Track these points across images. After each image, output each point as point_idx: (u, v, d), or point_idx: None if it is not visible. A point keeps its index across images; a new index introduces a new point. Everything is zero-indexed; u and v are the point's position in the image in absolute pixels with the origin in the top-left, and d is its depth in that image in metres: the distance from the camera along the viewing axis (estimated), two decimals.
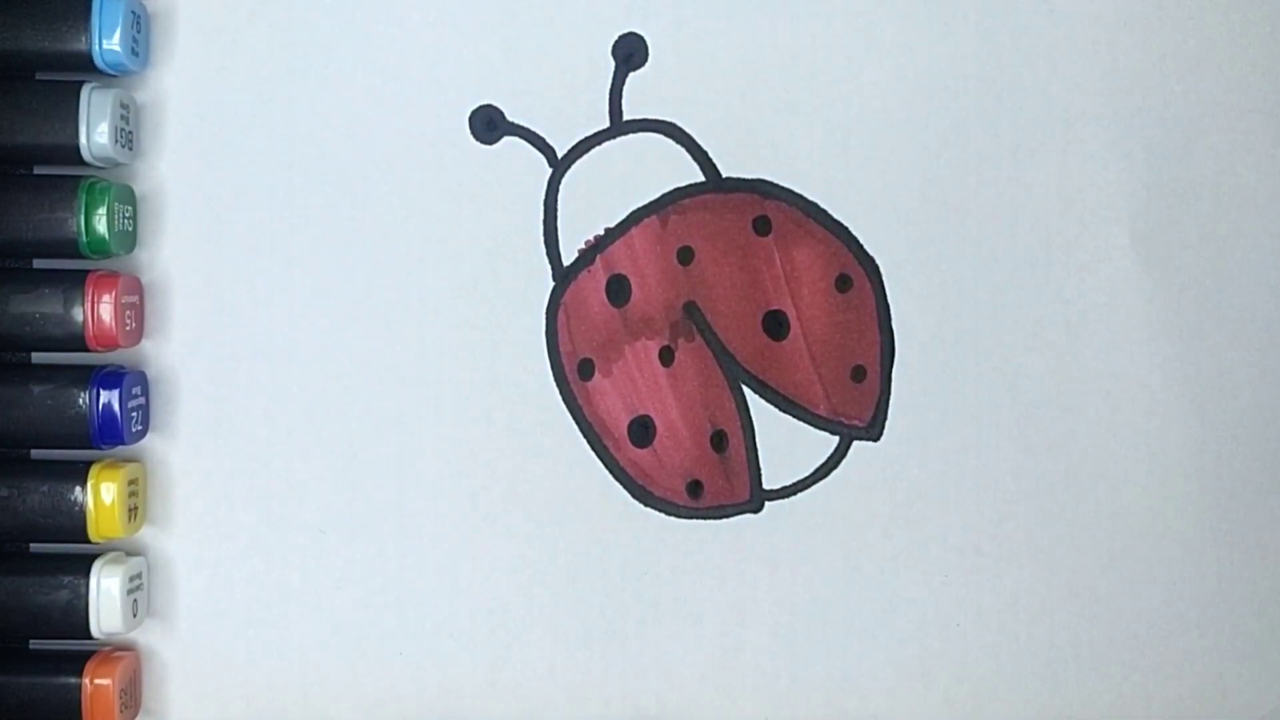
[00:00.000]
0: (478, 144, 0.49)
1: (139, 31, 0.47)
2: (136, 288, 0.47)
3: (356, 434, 0.48)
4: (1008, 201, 0.49)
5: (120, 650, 0.48)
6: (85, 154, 0.46)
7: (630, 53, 0.48)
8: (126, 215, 0.47)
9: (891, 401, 0.49)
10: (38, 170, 0.47)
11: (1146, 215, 0.49)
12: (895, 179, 0.49)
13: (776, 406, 0.49)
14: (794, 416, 0.49)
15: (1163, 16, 0.49)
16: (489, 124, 0.48)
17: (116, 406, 0.46)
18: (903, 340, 0.49)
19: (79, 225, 0.45)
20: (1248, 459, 0.49)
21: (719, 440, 0.49)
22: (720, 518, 0.49)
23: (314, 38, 0.48)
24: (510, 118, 0.48)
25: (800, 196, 0.49)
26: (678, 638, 0.49)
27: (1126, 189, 0.49)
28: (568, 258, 0.49)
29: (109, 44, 0.46)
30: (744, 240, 0.49)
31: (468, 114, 0.48)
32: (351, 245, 0.48)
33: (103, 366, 0.47)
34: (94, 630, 0.46)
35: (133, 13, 0.46)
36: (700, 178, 0.49)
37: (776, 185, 0.49)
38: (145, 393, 0.48)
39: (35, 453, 0.47)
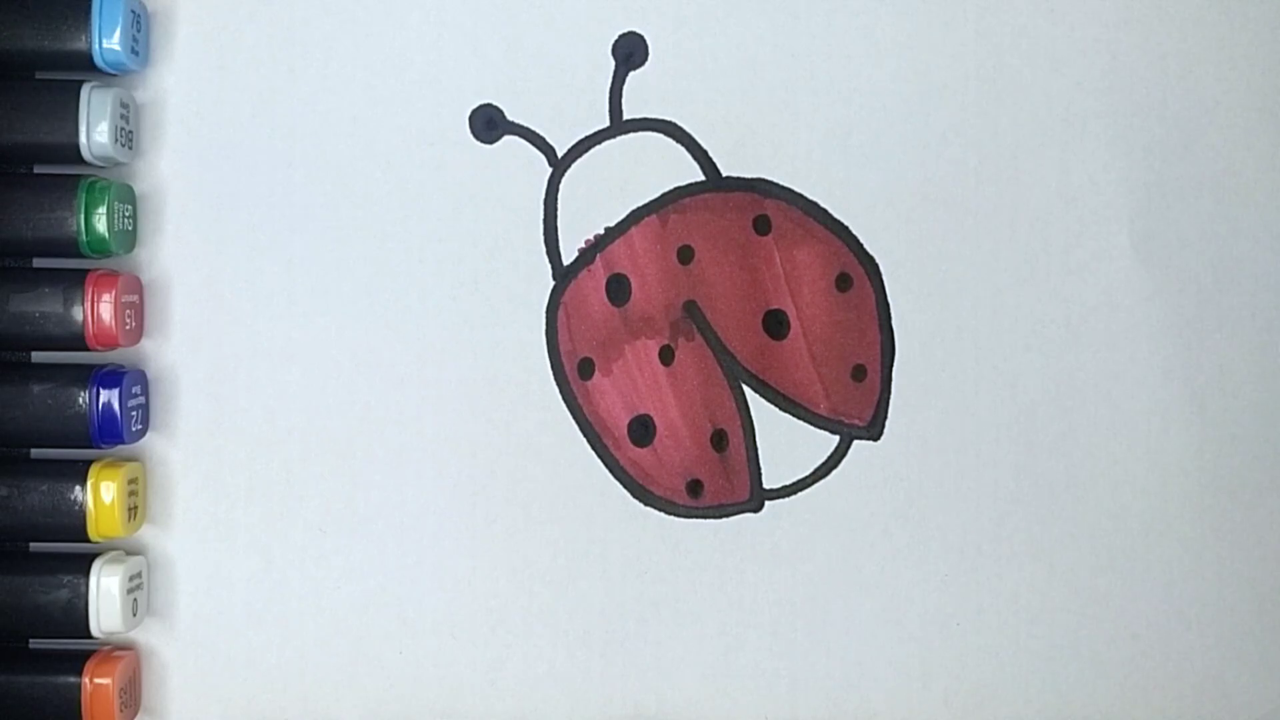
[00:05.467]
0: (478, 144, 0.49)
1: (139, 31, 0.47)
2: (136, 287, 0.47)
3: (356, 434, 0.48)
4: (1008, 201, 0.49)
5: (120, 649, 0.48)
6: (85, 153, 0.46)
7: (630, 52, 0.49)
8: (126, 214, 0.47)
9: (891, 401, 0.49)
10: (38, 169, 0.47)
11: (1146, 215, 0.49)
12: (895, 179, 0.49)
13: (776, 406, 0.49)
14: (794, 416, 0.49)
15: (1163, 16, 0.49)
16: (489, 124, 0.49)
17: (116, 406, 0.46)
18: (903, 340, 0.49)
19: (79, 224, 0.46)
20: (1248, 459, 0.49)
21: (719, 439, 0.49)
22: (720, 517, 0.49)
23: (314, 37, 0.48)
24: (510, 117, 0.48)
25: (800, 196, 0.49)
26: (678, 637, 0.49)
27: (1126, 189, 0.49)
28: (568, 257, 0.49)
29: (109, 43, 0.46)
30: (744, 239, 0.49)
31: (468, 114, 0.48)
32: (351, 245, 0.48)
33: (103, 366, 0.47)
34: (94, 629, 0.46)
35: (133, 12, 0.46)
36: (700, 177, 0.49)
37: (776, 185, 0.49)
38: (145, 392, 0.48)
39: (35, 452, 0.47)
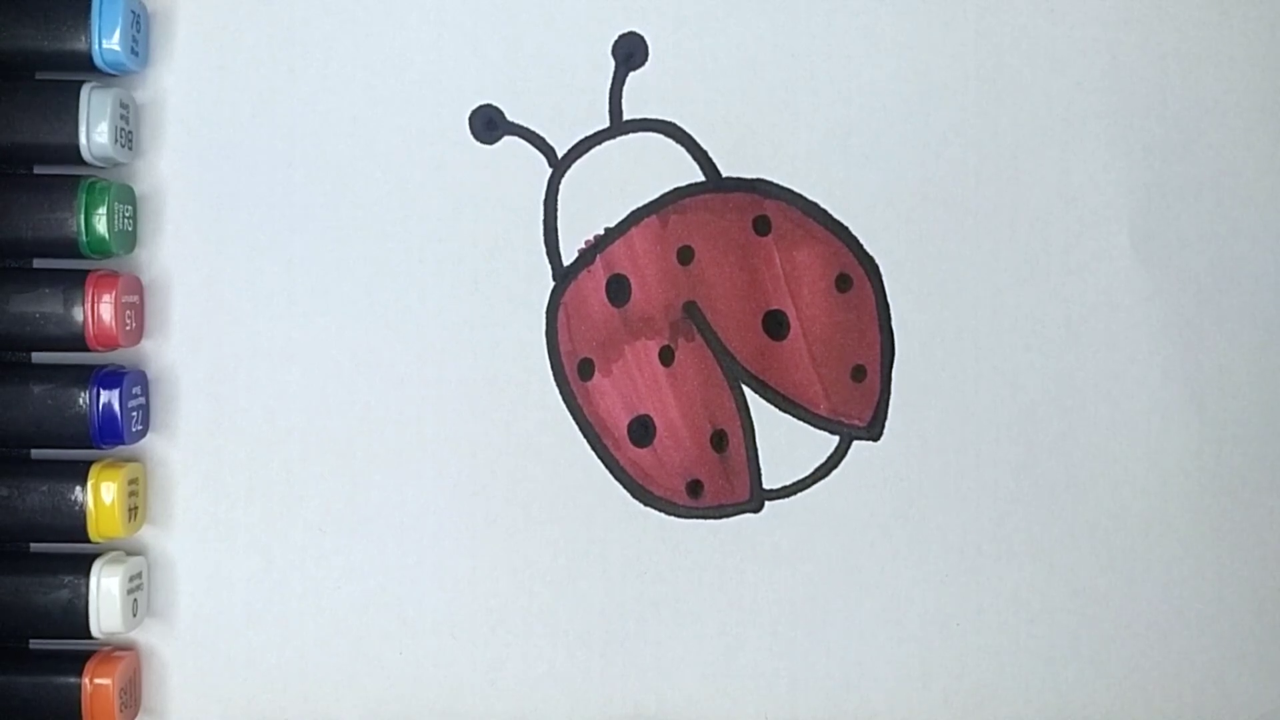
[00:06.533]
0: (478, 144, 0.49)
1: (139, 31, 0.47)
2: (136, 287, 0.47)
3: (356, 434, 0.48)
4: (1008, 201, 0.49)
5: (120, 650, 0.48)
6: (85, 154, 0.46)
7: (630, 52, 0.49)
8: (126, 215, 0.47)
9: (891, 401, 0.49)
10: (38, 170, 0.47)
11: (1146, 215, 0.49)
12: (895, 179, 0.49)
13: (776, 406, 0.49)
14: (794, 416, 0.49)
15: (1163, 16, 0.49)
16: (489, 124, 0.49)
17: (116, 406, 0.46)
18: (903, 340, 0.49)
19: (79, 225, 0.46)
20: (1248, 459, 0.49)
21: (719, 440, 0.49)
22: (720, 517, 0.49)
23: (314, 37, 0.48)
24: (510, 118, 0.48)
25: (800, 196, 0.49)
26: (678, 638, 0.49)
27: (1126, 189, 0.49)
28: (568, 257, 0.49)
29: (109, 44, 0.46)
30: (744, 240, 0.49)
31: (468, 114, 0.48)
32: (351, 245, 0.48)
33: (103, 366, 0.47)
34: (94, 630, 0.46)
35: (133, 12, 0.46)
36: (700, 177, 0.49)
37: (776, 185, 0.49)
38: (145, 392, 0.48)
39: (35, 452, 0.47)
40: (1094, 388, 0.49)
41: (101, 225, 0.46)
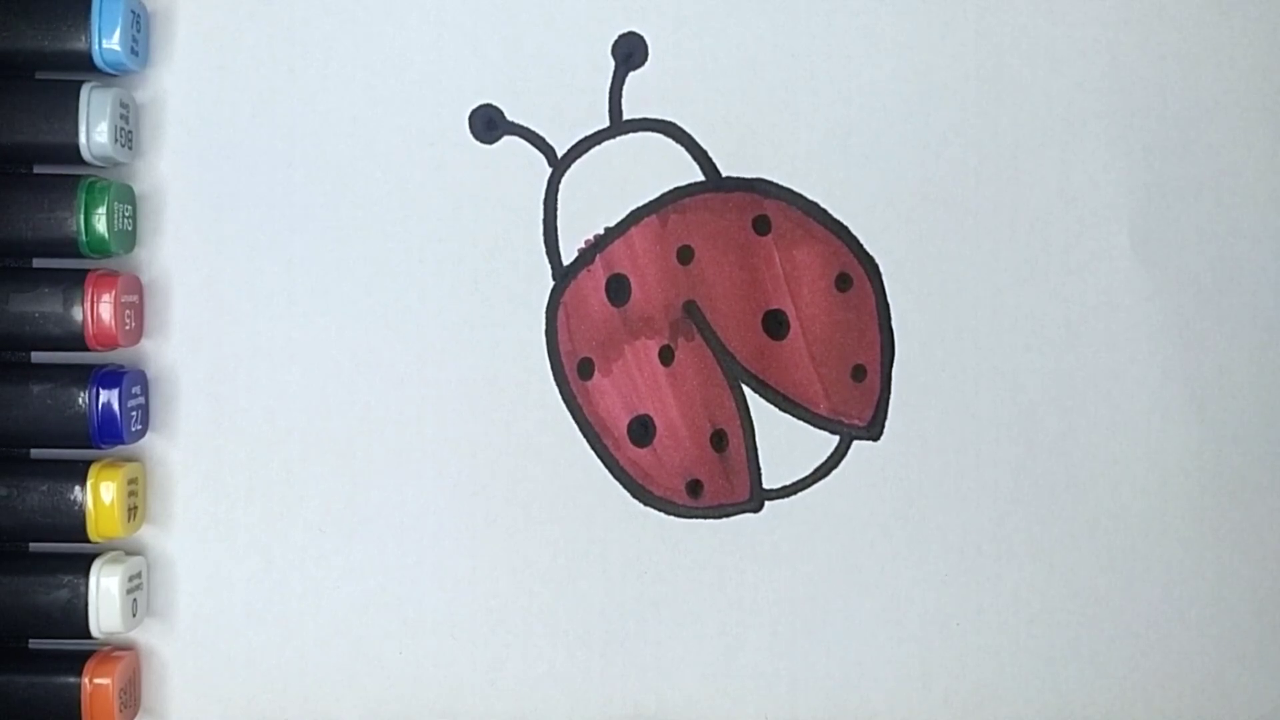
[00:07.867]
0: (478, 144, 0.49)
1: (139, 31, 0.47)
2: (136, 287, 0.47)
3: (356, 434, 0.48)
4: (1008, 201, 0.49)
5: (120, 650, 0.48)
6: (85, 153, 0.46)
7: (630, 52, 0.49)
8: (126, 214, 0.47)
9: (891, 401, 0.49)
10: (37, 169, 0.47)
11: (1146, 215, 0.49)
12: (895, 179, 0.49)
13: (776, 406, 0.49)
14: (794, 416, 0.49)
15: (1163, 16, 0.49)
16: (489, 124, 0.49)
17: (116, 406, 0.46)
18: (903, 340, 0.49)
19: (79, 224, 0.46)
20: (1248, 459, 0.49)
21: (719, 439, 0.49)
22: (720, 517, 0.49)
23: (314, 37, 0.48)
24: (510, 117, 0.48)
25: (800, 196, 0.49)
26: (678, 638, 0.49)
27: (1126, 189, 0.49)
28: (567, 257, 0.49)
29: (109, 43, 0.46)
30: (744, 240, 0.49)
31: (468, 114, 0.49)
32: (351, 245, 0.48)
33: (102, 366, 0.47)
34: (93, 630, 0.46)
35: (133, 12, 0.46)
36: (700, 177, 0.49)
37: (776, 185, 0.49)
38: (145, 392, 0.48)
39: (35, 452, 0.47)
40: (1094, 388, 0.49)
41: (101, 225, 0.46)
